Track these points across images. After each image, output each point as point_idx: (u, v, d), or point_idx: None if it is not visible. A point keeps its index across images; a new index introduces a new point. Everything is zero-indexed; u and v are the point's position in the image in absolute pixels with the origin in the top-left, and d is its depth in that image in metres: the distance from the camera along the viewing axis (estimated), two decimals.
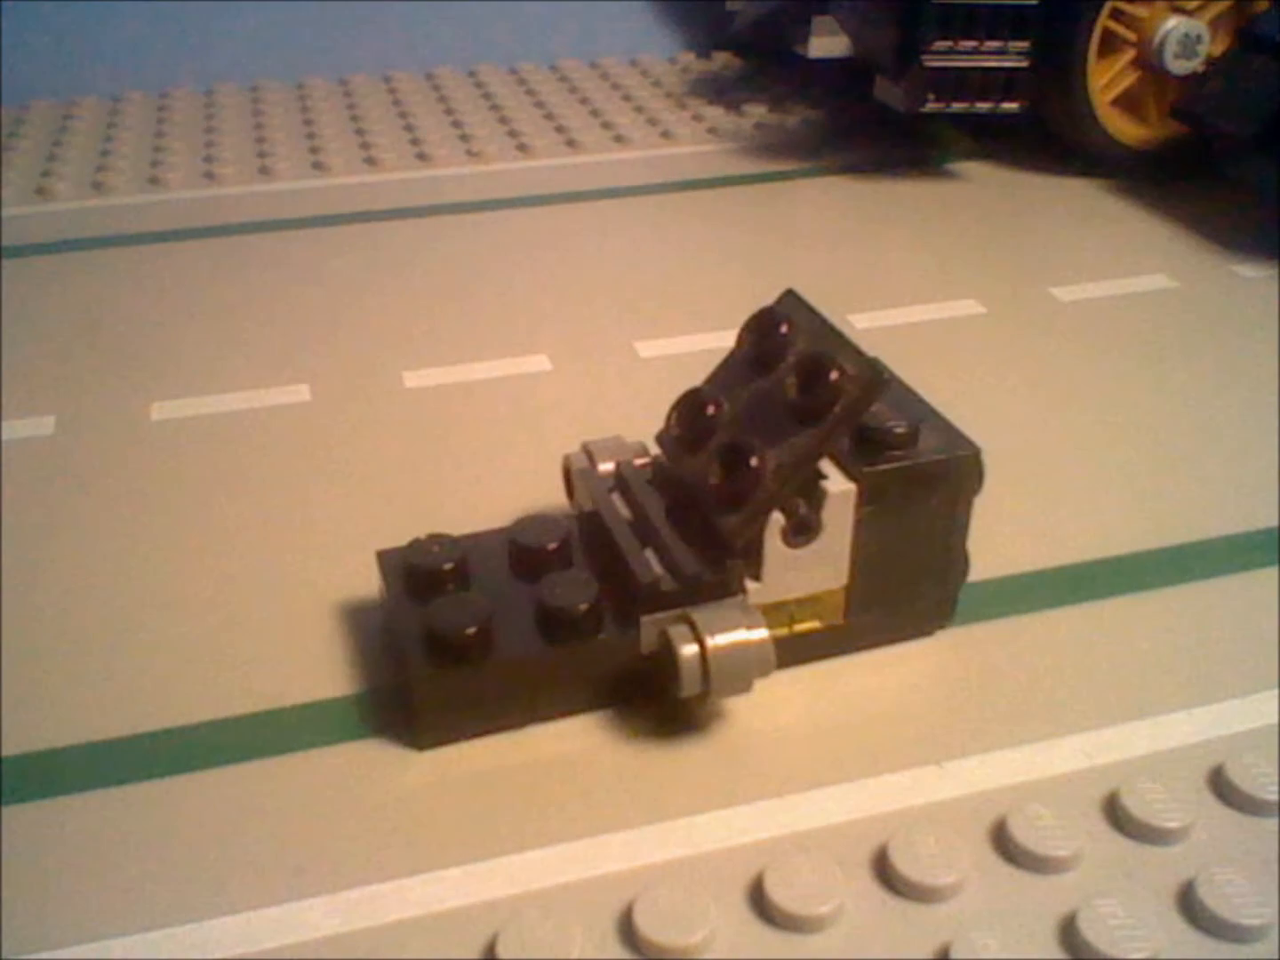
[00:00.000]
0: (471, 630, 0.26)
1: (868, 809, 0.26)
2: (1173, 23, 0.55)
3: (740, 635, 0.26)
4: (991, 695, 0.29)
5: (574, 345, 0.44)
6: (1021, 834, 0.24)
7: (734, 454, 0.27)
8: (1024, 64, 0.54)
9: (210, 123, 0.65)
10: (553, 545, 0.29)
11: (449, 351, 0.43)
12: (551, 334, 0.44)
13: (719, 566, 0.27)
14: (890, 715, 0.28)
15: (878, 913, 0.23)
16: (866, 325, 0.44)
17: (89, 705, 0.28)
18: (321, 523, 0.35)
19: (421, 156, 0.61)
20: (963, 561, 0.30)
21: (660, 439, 0.30)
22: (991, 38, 0.53)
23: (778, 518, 0.27)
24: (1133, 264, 0.50)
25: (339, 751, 0.27)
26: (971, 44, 0.53)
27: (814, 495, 0.27)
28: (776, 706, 0.28)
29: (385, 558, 0.29)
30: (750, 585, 0.28)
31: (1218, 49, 0.55)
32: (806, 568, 0.28)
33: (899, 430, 0.28)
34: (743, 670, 0.27)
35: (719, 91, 0.69)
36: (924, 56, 0.53)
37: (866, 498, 0.28)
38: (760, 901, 0.24)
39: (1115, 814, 0.25)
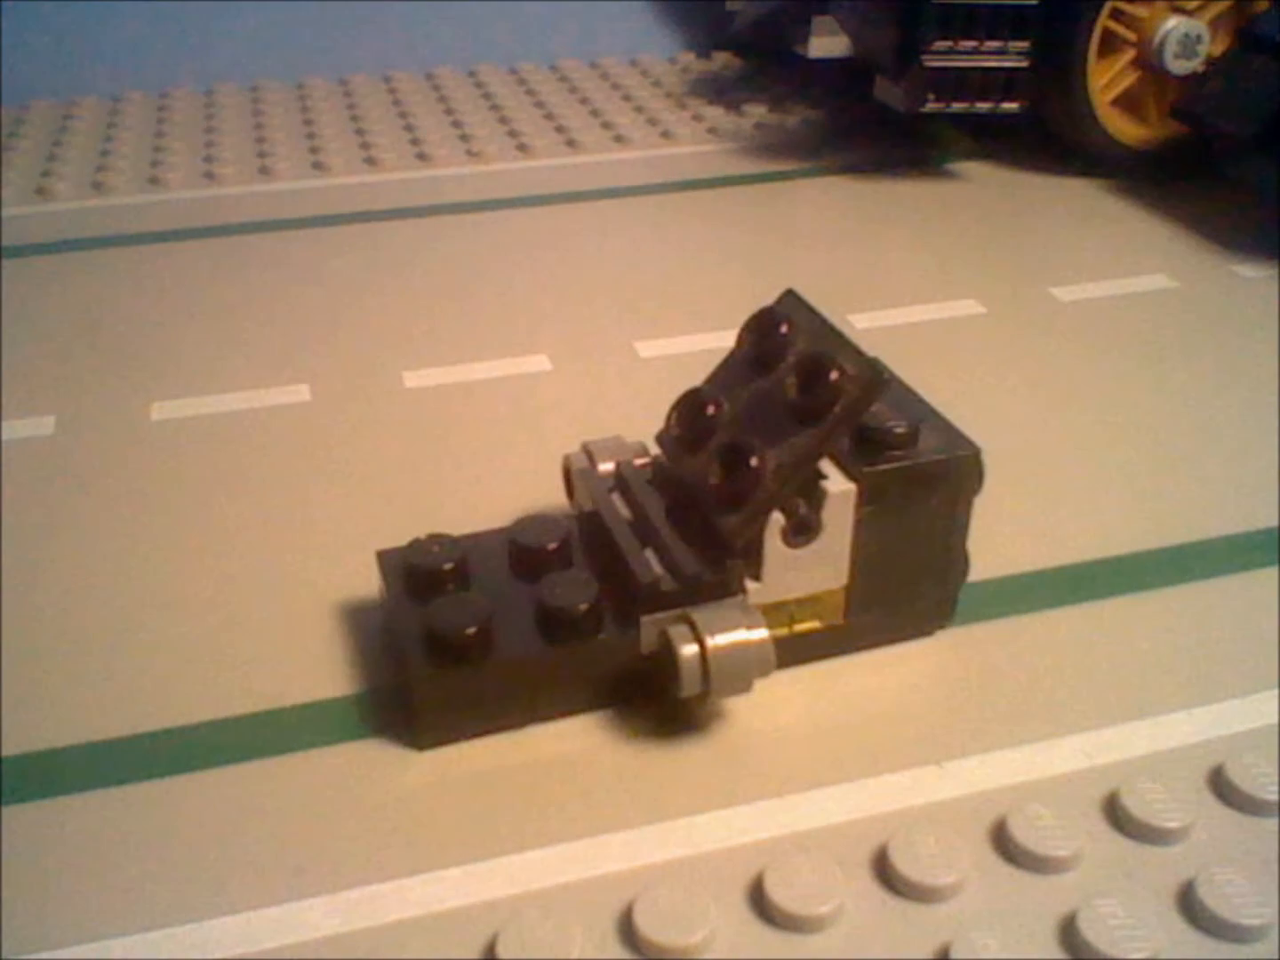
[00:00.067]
0: (471, 630, 0.26)
1: (868, 809, 0.26)
2: (1173, 23, 0.55)
3: (740, 635, 0.26)
4: (991, 695, 0.29)
5: (574, 345, 0.44)
6: (1021, 834, 0.24)
7: (734, 454, 0.27)
8: (1024, 64, 0.54)
9: (210, 123, 0.65)
10: (553, 545, 0.29)
11: (449, 351, 0.43)
12: (551, 334, 0.44)
13: (719, 566, 0.27)
14: (890, 715, 0.28)
15: (878, 913, 0.23)
16: (866, 325, 0.44)
17: (89, 705, 0.28)
18: (321, 523, 0.35)
19: (421, 156, 0.61)
20: (963, 561, 0.30)
21: (660, 439, 0.30)
22: (991, 38, 0.53)
23: (778, 518, 0.27)
24: (1133, 264, 0.50)
25: (339, 751, 0.27)
26: (971, 44, 0.53)
27: (814, 495, 0.27)
28: (776, 706, 0.28)
29: (385, 558, 0.29)
30: (750, 585, 0.28)
31: (1218, 49, 0.55)
32: (806, 568, 0.28)
33: (899, 430, 0.28)
34: (743, 670, 0.27)
35: (719, 91, 0.69)
36: (924, 56, 0.53)
37: (866, 498, 0.28)
38: (760, 901, 0.24)
39: (1115, 814, 0.25)
